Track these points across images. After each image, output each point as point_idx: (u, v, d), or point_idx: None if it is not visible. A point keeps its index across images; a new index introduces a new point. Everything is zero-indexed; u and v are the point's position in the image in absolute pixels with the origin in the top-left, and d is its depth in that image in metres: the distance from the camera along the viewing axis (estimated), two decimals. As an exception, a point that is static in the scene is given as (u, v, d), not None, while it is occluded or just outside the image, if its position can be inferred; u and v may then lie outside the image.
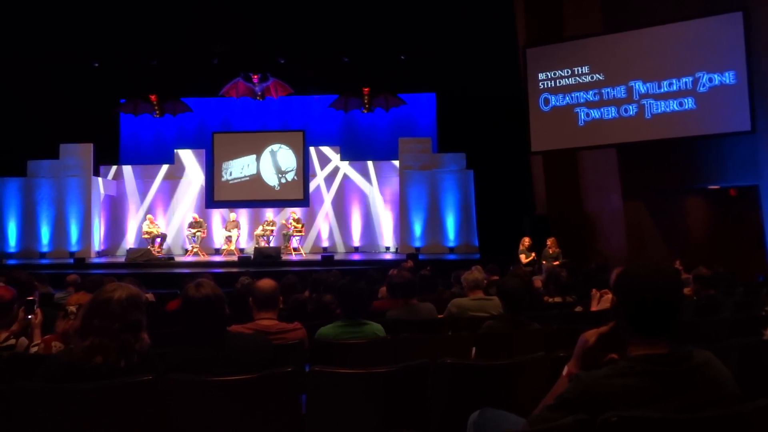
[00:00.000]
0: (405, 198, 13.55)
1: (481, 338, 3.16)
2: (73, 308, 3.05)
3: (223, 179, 15.08)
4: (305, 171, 14.88)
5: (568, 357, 1.75)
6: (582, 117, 10.41)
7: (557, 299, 4.78)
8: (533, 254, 9.94)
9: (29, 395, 2.00)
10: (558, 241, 9.91)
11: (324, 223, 14.54)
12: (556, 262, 9.16)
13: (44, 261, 12.65)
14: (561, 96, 10.61)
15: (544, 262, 9.55)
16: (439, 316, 4.15)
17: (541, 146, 10.85)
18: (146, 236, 13.00)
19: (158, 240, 13.02)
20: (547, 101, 10.75)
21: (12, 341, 3.10)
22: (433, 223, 13.47)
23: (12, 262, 12.32)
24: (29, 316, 3.16)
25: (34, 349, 3.07)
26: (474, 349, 3.10)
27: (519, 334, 3.19)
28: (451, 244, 13.42)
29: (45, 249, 13.27)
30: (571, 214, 11.38)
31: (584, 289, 4.91)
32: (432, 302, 4.29)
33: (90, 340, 2.04)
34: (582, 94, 10.42)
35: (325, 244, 14.45)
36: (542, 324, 3.37)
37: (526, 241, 10.11)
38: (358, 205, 14.57)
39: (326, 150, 14.65)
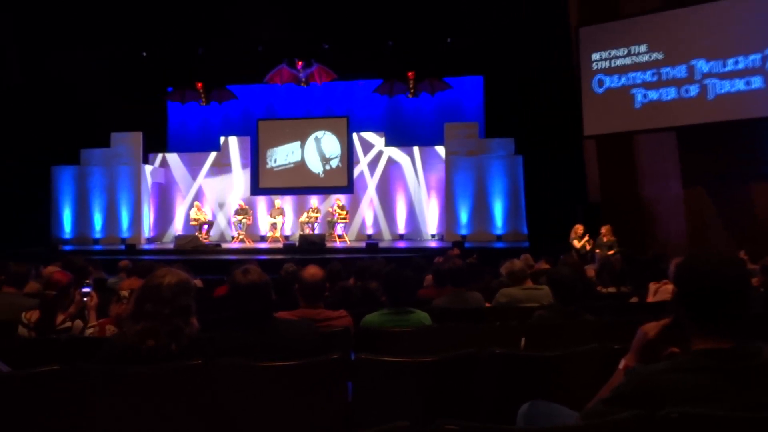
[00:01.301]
0: (451, 184, 13.49)
1: (531, 329, 3.12)
2: (125, 293, 3.16)
3: (267, 166, 15.31)
4: (349, 157, 14.95)
5: (622, 350, 1.72)
6: (639, 99, 10.07)
7: (611, 290, 4.68)
8: (586, 242, 9.75)
9: (88, 376, 2.08)
10: (613, 230, 9.68)
11: (368, 210, 14.62)
12: (611, 251, 8.97)
13: (97, 247, 13.22)
14: (616, 77, 10.28)
15: (597, 251, 9.36)
16: (487, 306, 4.13)
17: (594, 130, 10.56)
18: (194, 223, 13.34)
19: (205, 227, 13.37)
20: (601, 83, 10.44)
21: (68, 324, 3.26)
22: (480, 211, 13.37)
23: (67, 248, 12.92)
24: (85, 299, 3.32)
25: (89, 331, 3.22)
26: (523, 339, 3.06)
27: (570, 325, 3.14)
28: (499, 231, 13.30)
29: (98, 235, 13.86)
30: (626, 201, 11.07)
31: (640, 279, 4.80)
32: (479, 291, 4.26)
33: (142, 324, 2.11)
34: (639, 74, 10.06)
35: (370, 231, 14.53)
36: (595, 315, 3.31)
37: (579, 228, 9.91)
38: (403, 192, 14.57)
39: (370, 136, 14.68)
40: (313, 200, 14.40)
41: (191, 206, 13.94)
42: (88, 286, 3.53)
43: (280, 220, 13.63)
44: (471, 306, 3.96)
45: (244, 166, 14.91)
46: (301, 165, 15.23)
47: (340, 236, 13.45)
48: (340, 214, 13.49)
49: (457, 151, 13.50)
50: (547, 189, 12.15)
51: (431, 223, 14.36)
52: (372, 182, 14.65)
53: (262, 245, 13.21)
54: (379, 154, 14.59)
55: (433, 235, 14.20)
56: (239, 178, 14.91)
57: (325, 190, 14.92)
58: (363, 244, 12.22)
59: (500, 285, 4.72)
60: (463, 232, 13.27)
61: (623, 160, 11.33)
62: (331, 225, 13.51)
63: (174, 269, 2.30)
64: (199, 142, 15.43)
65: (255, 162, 15.24)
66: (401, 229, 14.46)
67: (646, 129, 10.25)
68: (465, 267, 4.28)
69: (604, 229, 9.68)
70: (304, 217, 13.56)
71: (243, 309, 2.36)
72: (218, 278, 6.49)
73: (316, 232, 13.33)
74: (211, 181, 14.96)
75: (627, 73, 10.22)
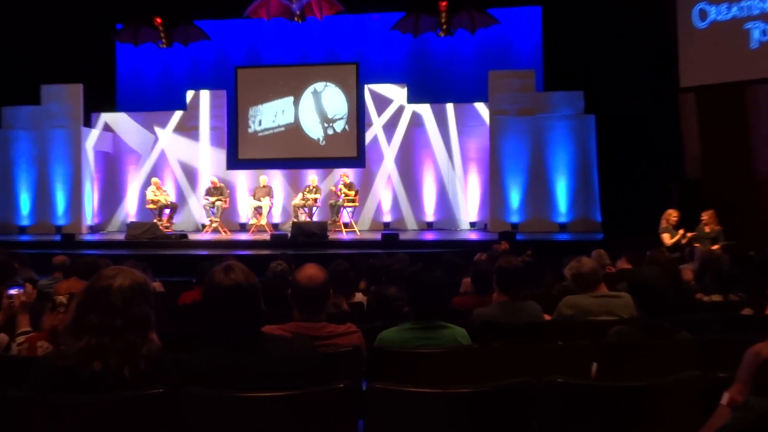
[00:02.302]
0: (497, 155, 13.41)
1: (606, 350, 3.15)
2: (62, 299, 3.18)
3: (250, 130, 15.35)
4: (359, 119, 14.92)
5: (730, 379, 1.71)
6: (756, 36, 10.00)
7: (716, 298, 4.66)
8: (682, 233, 9.68)
9: (11, 408, 2.10)
10: (718, 216, 9.57)
11: (385, 191, 14.61)
12: (716, 246, 8.90)
13: (24, 237, 13.39)
14: (725, 6, 10.20)
15: (697, 245, 9.27)
16: (546, 318, 4.18)
17: (694, 80, 10.52)
18: (151, 206, 13.41)
19: (167, 211, 13.47)
20: (704, 14, 10.37)
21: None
22: (537, 190, 13.29)
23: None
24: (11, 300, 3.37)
25: (15, 348, 3.24)
26: (595, 365, 3.10)
27: (660, 346, 3.15)
28: (563, 219, 13.23)
29: (24, 222, 14.01)
30: (736, 178, 11.01)
31: (755, 283, 4.76)
32: (536, 299, 4.26)
33: (86, 341, 2.13)
34: (756, 2, 9.96)
35: (387, 218, 14.54)
36: (694, 332, 3.31)
37: (673, 215, 9.79)
38: (432, 166, 14.52)
39: (388, 89, 14.61)
40: (312, 176, 14.29)
41: (148, 184, 14.00)
42: (15, 286, 3.58)
43: (267, 203, 13.61)
44: (524, 319, 3.96)
45: (218, 131, 14.98)
46: (294, 129, 15.24)
47: (347, 225, 13.47)
48: (347, 196, 13.46)
49: (505, 110, 13.40)
50: (628, 161, 12.09)
51: (470, 207, 14.32)
52: (390, 152, 14.61)
53: (243, 236, 13.30)
54: (400, 113, 14.54)
55: (472, 224, 14.18)
56: (212, 146, 15.01)
57: (327, 163, 14.93)
58: (378, 236, 12.24)
59: (564, 291, 4.72)
60: (514, 219, 13.22)
61: (733, 121, 11.22)
62: (336, 210, 13.51)
63: (127, 268, 2.32)
64: (158, 98, 15.48)
65: (233, 125, 15.29)
66: (429, 215, 14.45)
67: (765, 78, 10.15)
68: (516, 267, 4.24)
69: (705, 216, 9.57)
70: (298, 200, 13.57)
71: (222, 320, 2.37)
72: (184, 280, 6.48)
73: (315, 219, 13.36)
74: (175, 151, 15.03)
75: (740, 1, 10.12)
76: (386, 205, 14.60)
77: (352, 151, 14.99)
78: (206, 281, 2.46)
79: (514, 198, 13.33)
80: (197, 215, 14.78)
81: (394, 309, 4.17)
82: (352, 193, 13.59)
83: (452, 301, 4.56)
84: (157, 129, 15.06)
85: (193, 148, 15.02)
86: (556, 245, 11.25)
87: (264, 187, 13.82)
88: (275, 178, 14.73)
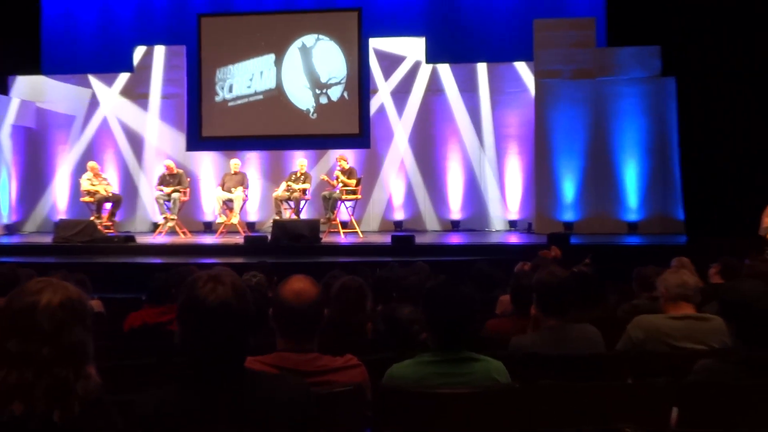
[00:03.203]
0: (545, 131, 13.40)
1: (691, 391, 3.13)
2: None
3: (217, 99, 15.36)
4: (362, 83, 14.94)
5: None
6: None
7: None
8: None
9: None
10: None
11: (396, 180, 14.63)
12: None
13: None
14: None
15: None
16: (610, 348, 4.17)
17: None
18: (88, 199, 13.37)
19: (108, 206, 13.41)
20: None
21: None
22: (598, 178, 13.30)
23: None
24: None
25: None
26: (676, 410, 3.09)
27: (762, 387, 3.10)
28: (632, 216, 13.22)
29: None
30: None
31: None
32: (596, 322, 4.25)
33: (2, 376, 2.11)
34: None
35: (399, 215, 14.56)
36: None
37: (778, 212, 9.79)
38: (458, 146, 14.52)
39: (400, 44, 14.63)
40: (299, 160, 14.22)
41: (83, 170, 13.91)
42: None
43: (240, 196, 13.52)
44: (580, 349, 3.95)
45: (175, 99, 15.05)
46: (276, 97, 15.29)
47: (345, 224, 13.46)
48: (345, 185, 13.39)
49: (556, 72, 13.39)
50: (719, 139, 12.08)
51: (509, 201, 14.33)
52: (402, 128, 14.64)
53: (208, 239, 13.34)
54: (414, 75, 14.56)
55: (512, 224, 14.22)
56: (167, 120, 15.05)
57: (319, 142, 14.97)
58: (387, 239, 12.18)
59: (634, 311, 4.71)
60: (568, 217, 13.27)
61: None
62: (331, 204, 13.38)
63: (56, 281, 2.29)
64: (96, 57, 15.48)
65: (195, 92, 15.31)
66: (455, 212, 14.49)
67: None
68: (571, 279, 4.26)
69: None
70: (281, 191, 13.52)
71: (198, 348, 2.36)
72: (132, 297, 6.51)
73: (304, 217, 13.36)
74: (119, 126, 15.06)
75: None
76: (398, 198, 14.60)
77: (352, 126, 14.99)
78: (184, 293, 2.41)
79: (568, 189, 13.32)
80: (148, 211, 14.82)
81: (408, 335, 4.15)
82: (353, 182, 13.45)
83: (486, 325, 4.59)
84: (95, 96, 15.03)
85: (142, 122, 15.04)
86: (623, 251, 11.18)
87: (236, 174, 13.73)
88: (251, 163, 14.76)
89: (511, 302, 4.95)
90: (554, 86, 13.40)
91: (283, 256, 10.84)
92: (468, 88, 14.45)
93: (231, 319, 2.32)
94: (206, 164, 14.97)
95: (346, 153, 14.17)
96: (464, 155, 14.47)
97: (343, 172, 13.49)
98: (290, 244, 11.71)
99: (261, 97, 15.31)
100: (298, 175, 13.69)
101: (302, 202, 13.51)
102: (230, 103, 15.35)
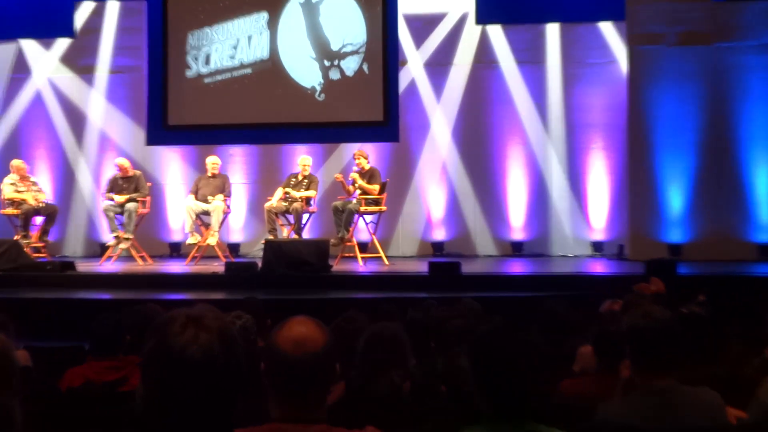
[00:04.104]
0: (641, 117, 13.37)
1: None
2: None
3: (189, 73, 15.37)
4: (387, 52, 14.87)
5: None
6: None
7: None
8: None
9: None
10: None
11: (436, 186, 14.65)
12: None
13: None
14: None
15: None
16: (734, 417, 4.13)
17: None
18: (11, 211, 13.61)
19: (38, 220, 13.53)
20: None
21: None
22: (717, 184, 13.12)
23: None
24: None
25: None
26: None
27: None
28: (766, 236, 13.06)
29: None
30: None
31: None
32: (714, 383, 4.21)
33: None
34: None
35: (440, 235, 14.65)
36: None
37: None
38: (519, 140, 14.52)
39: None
40: (301, 157, 14.23)
41: (5, 171, 14.03)
42: None
43: (220, 207, 13.56)
44: (694, 421, 3.95)
45: (132, 74, 15.11)
46: (270, 70, 15.21)
47: (365, 247, 13.43)
48: (365, 193, 13.42)
49: (657, 36, 13.27)
50: None
51: (592, 215, 14.45)
52: (442, 113, 14.68)
53: (176, 266, 13.34)
54: (457, 40, 14.66)
55: (596, 247, 14.38)
56: (120, 103, 15.05)
57: (329, 133, 14.95)
58: (423, 267, 12.10)
59: (766, 367, 4.68)
60: (674, 237, 13.25)
61: None
62: (345, 218, 13.35)
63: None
64: (26, 17, 15.48)
65: (158, 64, 15.23)
66: (517, 231, 14.57)
67: None
68: (678, 324, 4.30)
69: None
70: (276, 200, 13.60)
71: (170, 418, 2.30)
72: (71, 346, 6.69)
73: (308, 236, 13.42)
74: (56, 109, 15.26)
75: None
76: (437, 211, 14.61)
77: (374, 111, 14.84)
78: (152, 342, 2.37)
79: (675, 199, 13.22)
80: (96, 227, 14.76)
81: (453, 398, 4.41)
82: (375, 188, 13.39)
83: (559, 387, 4.74)
84: (23, 70, 15.04)
85: (86, 104, 15.17)
86: (752, 285, 10.87)
87: (214, 177, 13.68)
88: (234, 162, 14.75)
89: (594, 355, 5.14)
90: (655, 55, 13.19)
91: (279, 290, 11.02)
92: (533, 59, 14.38)
93: (217, 377, 2.33)
94: (173, 163, 14.85)
95: (366, 148, 14.04)
96: (528, 153, 14.25)
97: (362, 174, 13.36)
98: (288, 273, 11.75)
99: (249, 70, 15.11)
100: (300, 178, 13.48)
101: (305, 216, 13.43)
102: (207, 80, 15.16)
